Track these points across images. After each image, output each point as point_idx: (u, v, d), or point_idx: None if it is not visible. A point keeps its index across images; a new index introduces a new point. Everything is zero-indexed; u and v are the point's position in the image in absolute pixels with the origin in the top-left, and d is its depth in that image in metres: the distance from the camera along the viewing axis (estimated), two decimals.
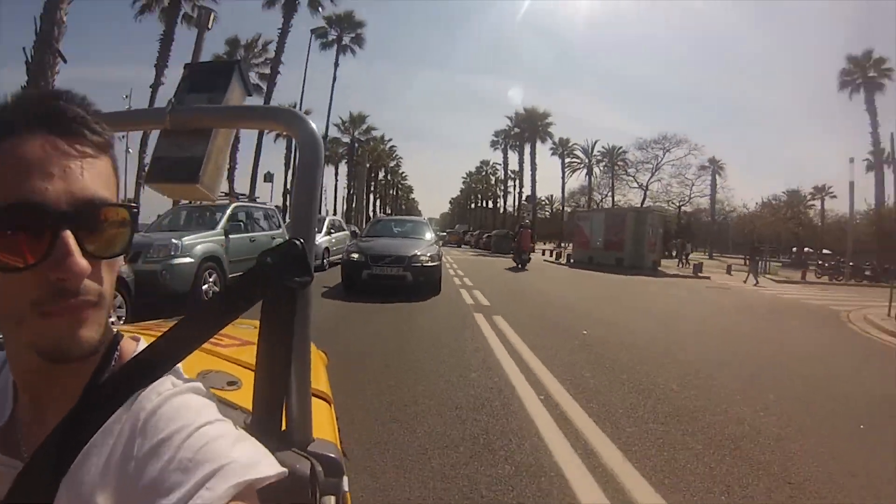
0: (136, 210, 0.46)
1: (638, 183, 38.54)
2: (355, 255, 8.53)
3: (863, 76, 32.33)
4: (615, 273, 16.61)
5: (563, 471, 2.38)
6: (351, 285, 8.36)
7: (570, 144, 48.81)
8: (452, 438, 2.70)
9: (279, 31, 23.80)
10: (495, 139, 50.36)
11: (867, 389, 4.29)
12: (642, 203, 35.84)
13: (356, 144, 39.80)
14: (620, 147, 45.92)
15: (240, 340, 1.14)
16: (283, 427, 0.64)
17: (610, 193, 45.53)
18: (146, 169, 0.75)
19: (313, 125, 0.68)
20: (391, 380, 3.66)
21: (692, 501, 2.18)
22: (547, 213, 60.69)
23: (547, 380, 3.84)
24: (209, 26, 11.17)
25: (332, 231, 12.73)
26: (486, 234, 34.33)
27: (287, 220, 8.90)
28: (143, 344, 0.53)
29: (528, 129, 43.38)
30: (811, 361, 5.28)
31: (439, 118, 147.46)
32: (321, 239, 11.57)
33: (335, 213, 35.36)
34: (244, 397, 0.72)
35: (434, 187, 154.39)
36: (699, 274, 18.90)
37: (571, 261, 21.91)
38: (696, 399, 3.58)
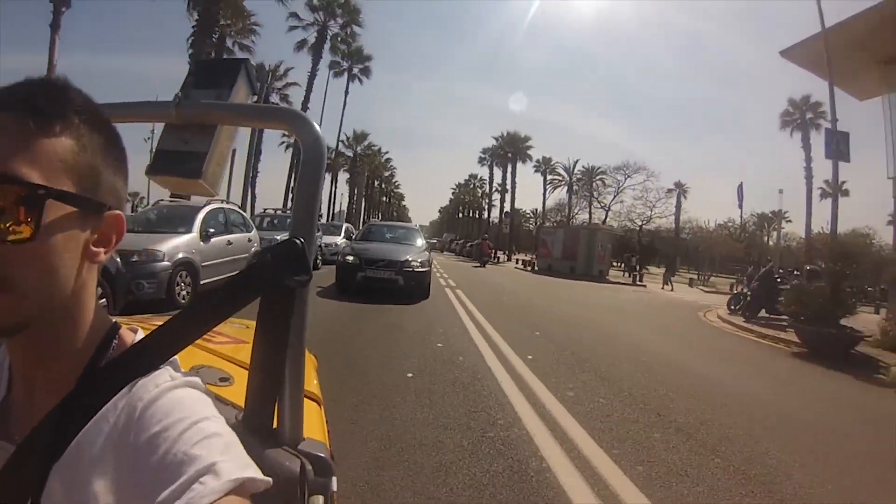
0: (43, 192, 0.41)
1: (601, 204, 43.39)
2: (350, 258, 8.96)
3: (801, 117, 36.85)
4: (563, 278, 20.85)
5: (467, 329, 6.65)
6: (345, 286, 8.85)
7: (552, 163, 53.71)
8: (429, 325, 6.96)
9: (308, 73, 28.44)
10: (482, 156, 55.00)
11: (655, 329, 8.66)
12: (604, 221, 40.62)
13: (357, 158, 44.48)
14: (599, 167, 50.85)
15: (232, 338, 1.18)
16: (275, 425, 0.65)
17: (585, 209, 50.36)
18: (149, 161, 0.74)
19: (317, 127, 0.69)
20: (394, 315, 7.91)
21: (515, 336, 6.46)
22: (532, 225, 65.12)
23: (474, 311, 8.15)
24: (267, 81, 15.74)
25: (348, 234, 16.99)
26: (469, 244, 39.01)
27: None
28: (142, 335, 0.53)
29: (511, 150, 48.23)
30: (638, 321, 9.68)
31: (433, 130, 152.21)
32: (340, 240, 15.75)
33: (331, 218, 39.80)
34: (236, 394, 0.74)
35: (424, 196, 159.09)
36: (637, 282, 23.30)
37: (536, 268, 26.29)
38: (554, 327, 7.89)
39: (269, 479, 0.44)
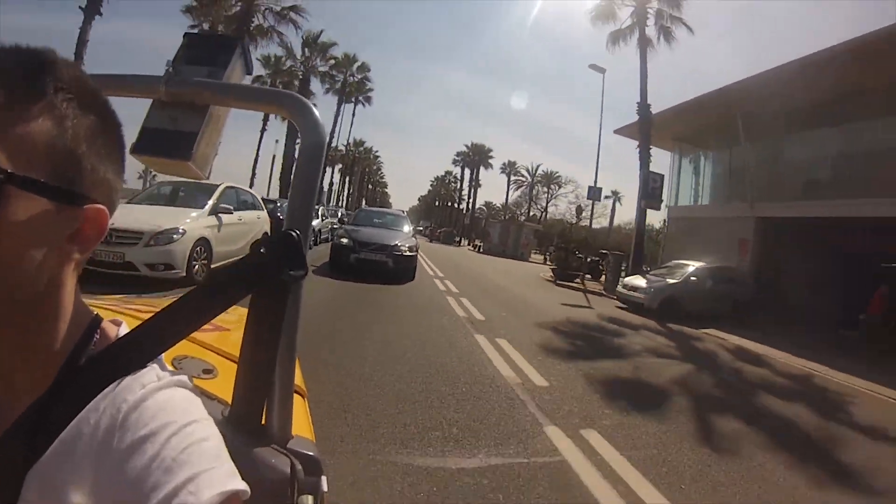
0: (2, 177, 0.37)
1: (539, 207, 55.88)
2: (344, 240, 9.47)
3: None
4: (495, 256, 31.82)
5: (427, 269, 18.00)
6: (338, 267, 9.36)
7: (516, 166, 65.23)
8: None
9: (335, 114, 40.05)
10: (456, 158, 66.13)
11: (503, 273, 20.15)
12: (541, 219, 52.91)
13: (354, 161, 55.75)
14: (556, 172, 62.77)
15: (215, 327, 1.10)
16: (263, 422, 0.64)
17: (538, 206, 62.48)
18: (134, 139, 0.68)
19: (316, 112, 0.67)
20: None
21: (467, 289, 17.79)
22: (502, 217, 76.89)
23: (432, 264, 19.46)
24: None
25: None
26: (439, 230, 50.60)
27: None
28: (125, 328, 0.50)
29: (477, 156, 59.87)
30: (499, 272, 21.23)
31: (417, 121, 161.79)
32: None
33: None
34: (220, 387, 0.73)
35: (405, 184, 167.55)
36: (547, 262, 34.67)
37: (481, 249, 37.56)
38: (471, 275, 19.30)
39: (247, 488, 0.42)
